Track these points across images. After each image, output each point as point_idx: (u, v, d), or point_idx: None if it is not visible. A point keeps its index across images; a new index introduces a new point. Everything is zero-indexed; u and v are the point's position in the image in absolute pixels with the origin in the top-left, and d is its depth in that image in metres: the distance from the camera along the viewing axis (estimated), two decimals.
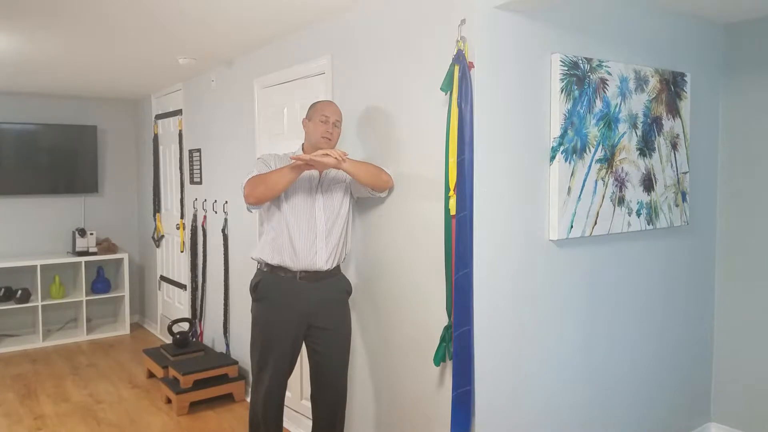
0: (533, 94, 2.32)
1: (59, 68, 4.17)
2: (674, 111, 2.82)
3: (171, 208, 5.20)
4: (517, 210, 2.32)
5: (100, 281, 5.63)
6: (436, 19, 2.31)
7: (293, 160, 2.35)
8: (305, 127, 2.59)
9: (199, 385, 3.77)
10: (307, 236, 2.52)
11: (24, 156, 5.36)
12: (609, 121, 2.53)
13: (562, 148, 2.36)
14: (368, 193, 2.57)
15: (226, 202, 4.13)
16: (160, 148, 5.37)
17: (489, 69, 2.19)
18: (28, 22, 2.99)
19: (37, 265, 5.19)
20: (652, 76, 2.70)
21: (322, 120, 2.51)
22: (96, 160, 5.69)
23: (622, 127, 2.59)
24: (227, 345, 4.18)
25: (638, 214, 2.69)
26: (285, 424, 3.10)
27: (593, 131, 2.47)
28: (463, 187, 2.13)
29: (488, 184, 2.21)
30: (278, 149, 3.18)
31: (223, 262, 4.18)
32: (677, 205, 2.88)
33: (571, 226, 2.42)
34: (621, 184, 2.61)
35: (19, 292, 5.19)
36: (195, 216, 4.65)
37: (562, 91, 2.35)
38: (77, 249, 5.47)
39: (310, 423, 2.91)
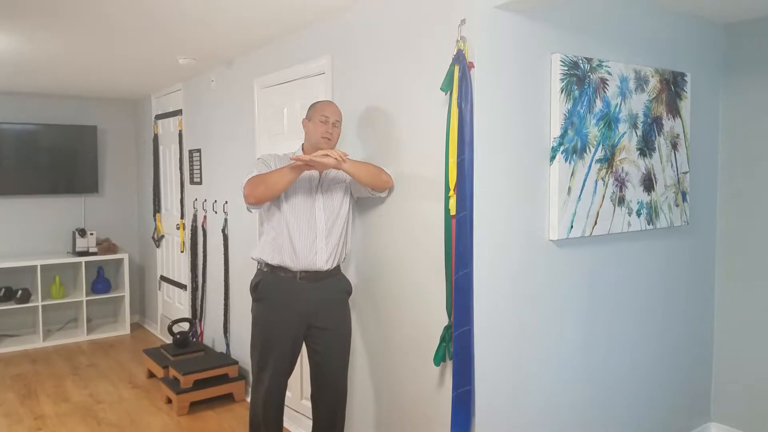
0: (533, 94, 2.32)
1: (59, 68, 4.17)
2: (674, 111, 2.82)
3: (171, 208, 5.20)
4: (517, 210, 2.32)
5: (101, 281, 5.63)
6: (436, 19, 2.31)
7: (293, 161, 2.35)
8: (305, 127, 2.59)
9: (199, 385, 3.77)
10: (307, 236, 2.52)
11: (24, 156, 5.36)
12: (609, 121, 2.53)
13: (562, 148, 2.36)
14: (368, 193, 2.57)
15: (226, 202, 4.13)
16: (160, 148, 5.37)
17: (489, 69, 2.19)
18: (28, 22, 2.99)
19: (37, 265, 5.19)
20: (652, 76, 2.70)
21: (322, 120, 2.51)
22: (96, 160, 5.70)
23: (622, 127, 2.59)
24: (227, 345, 4.18)
25: (638, 214, 2.69)
26: (285, 424, 3.10)
27: (593, 131, 2.47)
28: (463, 187, 2.13)
29: (488, 184, 2.21)
30: (278, 149, 3.18)
31: (223, 262, 4.18)
32: (677, 205, 2.88)
33: (571, 226, 2.42)
34: (621, 184, 2.61)
35: (20, 292, 5.19)
36: (195, 216, 4.65)
37: (562, 91, 2.35)
38: (77, 249, 5.47)
39: (310, 423, 2.91)
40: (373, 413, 2.80)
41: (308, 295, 2.55)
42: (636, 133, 2.65)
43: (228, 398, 3.88)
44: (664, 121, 2.77)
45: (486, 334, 2.25)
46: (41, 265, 5.20)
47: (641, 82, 2.65)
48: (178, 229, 4.99)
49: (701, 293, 3.13)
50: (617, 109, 2.56)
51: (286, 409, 2.75)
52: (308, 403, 3.03)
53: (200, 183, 4.55)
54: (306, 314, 2.56)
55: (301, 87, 3.21)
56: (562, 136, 2.36)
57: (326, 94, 2.95)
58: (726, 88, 3.12)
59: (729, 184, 3.13)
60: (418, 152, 2.44)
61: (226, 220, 4.14)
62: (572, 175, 2.41)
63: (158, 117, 5.36)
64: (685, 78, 2.86)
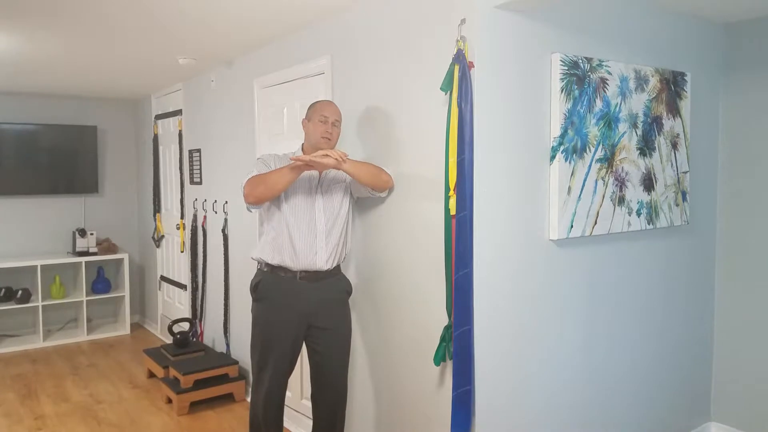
0: (533, 93, 2.32)
1: (59, 68, 4.17)
2: (674, 110, 2.82)
3: (171, 208, 5.20)
4: (517, 210, 2.31)
5: (101, 281, 5.63)
6: (436, 19, 2.31)
7: (293, 161, 2.35)
8: (305, 127, 2.59)
9: (199, 385, 3.77)
10: (307, 236, 2.52)
11: (24, 156, 5.36)
12: (609, 121, 2.53)
13: (562, 148, 2.36)
14: (368, 193, 2.57)
15: (226, 202, 4.13)
16: (160, 148, 5.37)
17: (489, 69, 2.18)
18: (28, 22, 2.99)
19: (37, 266, 5.19)
20: (652, 76, 2.70)
21: (322, 120, 2.51)
22: (96, 160, 5.70)
23: (622, 127, 2.59)
24: (227, 345, 4.18)
25: (638, 214, 2.69)
26: (285, 424, 3.10)
27: (593, 131, 2.47)
28: (463, 187, 2.13)
29: (488, 184, 2.21)
30: (278, 149, 3.18)
31: (223, 262, 4.18)
32: (677, 205, 2.88)
33: (571, 226, 2.42)
34: (621, 183, 2.61)
35: (20, 292, 5.19)
36: (195, 216, 4.65)
37: (562, 91, 2.35)
38: (77, 249, 5.47)
39: (310, 423, 2.91)
40: (373, 413, 2.80)
41: (308, 295, 2.55)
42: (636, 132, 2.65)
43: (228, 398, 3.88)
44: (664, 121, 2.77)
45: (486, 334, 2.25)
46: (41, 265, 5.20)
47: (641, 81, 2.65)
48: (178, 229, 4.99)
49: (701, 293, 3.13)
50: (617, 108, 2.55)
51: (286, 409, 2.75)
52: (308, 403, 3.03)
53: (200, 183, 4.55)
54: (306, 314, 2.56)
55: (301, 87, 3.21)
56: (562, 135, 2.36)
57: (326, 94, 2.95)
58: (726, 88, 3.12)
59: (729, 184, 3.13)
60: (418, 152, 2.44)
61: (226, 220, 4.14)
62: (572, 174, 2.41)
63: (158, 117, 5.36)
64: (685, 78, 2.86)
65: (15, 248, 5.45)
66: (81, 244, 5.47)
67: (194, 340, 4.50)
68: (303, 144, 2.64)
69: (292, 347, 2.57)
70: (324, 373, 2.62)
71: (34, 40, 3.37)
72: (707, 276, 3.16)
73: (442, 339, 2.26)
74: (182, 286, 4.98)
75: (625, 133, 2.60)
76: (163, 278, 5.41)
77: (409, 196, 2.51)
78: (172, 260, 5.23)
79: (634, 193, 2.67)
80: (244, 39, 3.39)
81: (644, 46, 2.70)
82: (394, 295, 2.61)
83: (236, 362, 3.93)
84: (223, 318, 4.22)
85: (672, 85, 2.80)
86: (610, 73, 2.51)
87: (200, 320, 4.62)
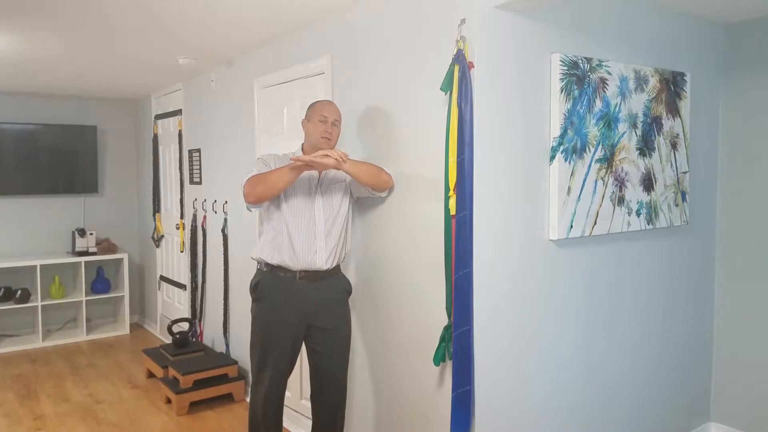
0: (533, 93, 2.32)
1: (59, 68, 4.17)
2: (674, 111, 2.82)
3: (171, 208, 5.20)
4: (517, 210, 2.32)
5: (100, 281, 5.63)
6: (436, 19, 2.31)
7: (293, 161, 2.35)
8: (304, 127, 2.59)
9: (198, 385, 3.77)
10: (306, 236, 2.52)
11: (24, 156, 5.36)
12: (609, 121, 2.53)
13: (561, 148, 2.36)
14: (368, 192, 2.57)
15: (226, 202, 4.13)
16: (160, 148, 5.37)
17: (489, 69, 2.19)
18: (28, 22, 2.99)
19: (36, 265, 5.19)
20: (652, 76, 2.70)
21: (321, 120, 2.51)
22: (96, 160, 5.69)
23: (622, 127, 2.59)
24: (227, 345, 4.18)
25: (638, 214, 2.69)
26: (285, 424, 3.10)
27: (593, 131, 2.47)
28: (463, 187, 2.13)
29: (488, 184, 2.21)
30: (278, 149, 3.18)
31: (222, 262, 4.18)
32: (677, 205, 2.88)
33: (571, 226, 2.42)
34: (621, 183, 2.61)
35: (19, 292, 5.19)
36: (195, 216, 4.65)
37: (561, 91, 2.35)
38: (77, 249, 5.47)
39: (310, 423, 2.91)
40: (373, 413, 2.79)
41: (308, 294, 2.55)
42: (636, 132, 2.65)
43: (228, 398, 3.88)
44: (663, 121, 2.77)
45: (486, 334, 2.24)
46: (41, 265, 5.20)
47: (641, 81, 2.65)
48: (177, 229, 4.99)
49: (701, 293, 3.13)
50: (617, 108, 2.56)
51: (285, 409, 2.75)
52: (308, 403, 3.03)
53: (200, 183, 4.55)
54: (306, 314, 2.56)
55: (301, 87, 3.21)
56: (562, 135, 2.36)
57: (326, 94, 2.95)
58: (726, 88, 3.12)
59: (729, 184, 3.13)
60: (418, 152, 2.44)
61: (225, 220, 4.14)
62: (572, 174, 2.41)
63: (158, 117, 5.35)
64: (685, 78, 2.86)
65: (14, 248, 5.45)
66: (80, 244, 5.47)
67: (194, 340, 4.50)
68: (303, 144, 2.64)
69: (292, 347, 2.57)
70: (324, 373, 2.62)
71: (34, 40, 3.37)
72: (707, 276, 3.16)
73: (442, 339, 2.26)
74: (182, 286, 4.98)
75: (624, 133, 2.60)
76: (163, 278, 5.41)
77: (409, 196, 2.51)
78: (172, 260, 5.23)
79: (634, 193, 2.67)
80: (244, 39, 3.39)
81: (644, 46, 2.70)
82: (394, 295, 2.61)
83: (236, 362, 3.93)
84: (222, 318, 4.22)
85: (672, 85, 2.80)
86: (609, 73, 2.51)
87: (200, 320, 4.62)
